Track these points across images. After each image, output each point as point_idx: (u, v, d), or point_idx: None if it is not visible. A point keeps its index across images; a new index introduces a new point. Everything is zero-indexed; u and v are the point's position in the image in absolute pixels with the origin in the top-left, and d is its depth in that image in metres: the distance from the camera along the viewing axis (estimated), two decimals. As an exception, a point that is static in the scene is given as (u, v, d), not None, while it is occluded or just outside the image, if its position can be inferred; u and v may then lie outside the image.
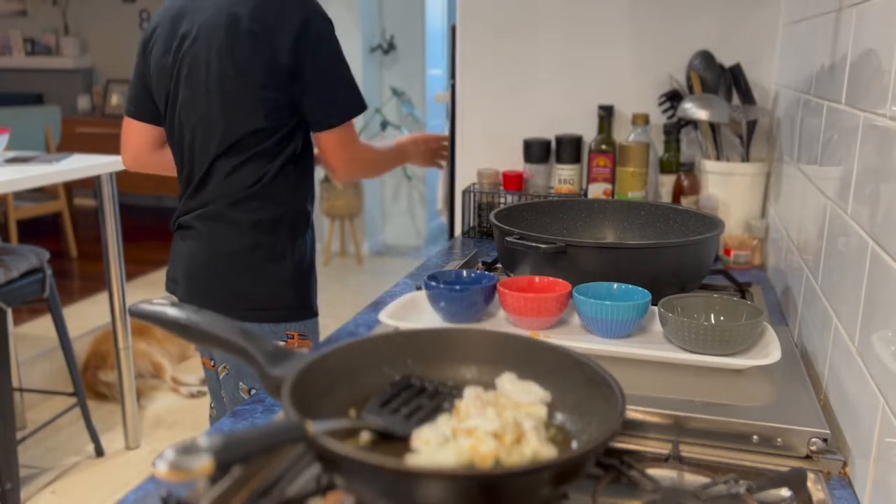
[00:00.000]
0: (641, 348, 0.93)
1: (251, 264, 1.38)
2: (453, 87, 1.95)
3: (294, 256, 1.41)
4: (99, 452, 2.58)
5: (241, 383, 1.42)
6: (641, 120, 1.68)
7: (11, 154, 2.51)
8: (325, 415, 0.68)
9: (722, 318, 0.98)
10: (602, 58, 1.78)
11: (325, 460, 0.61)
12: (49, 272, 2.32)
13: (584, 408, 0.72)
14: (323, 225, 4.96)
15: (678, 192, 1.66)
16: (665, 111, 1.73)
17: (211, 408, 1.61)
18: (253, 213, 1.37)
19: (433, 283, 1.03)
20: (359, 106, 1.41)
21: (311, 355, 0.74)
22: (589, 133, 1.80)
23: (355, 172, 1.48)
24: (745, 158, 1.59)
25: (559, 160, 1.77)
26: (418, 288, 1.14)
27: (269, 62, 1.31)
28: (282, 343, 1.40)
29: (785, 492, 0.69)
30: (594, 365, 0.73)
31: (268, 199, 1.38)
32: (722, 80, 1.62)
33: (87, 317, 3.51)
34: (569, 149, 1.76)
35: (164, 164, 1.51)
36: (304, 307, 1.44)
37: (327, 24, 1.38)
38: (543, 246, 1.07)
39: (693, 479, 0.72)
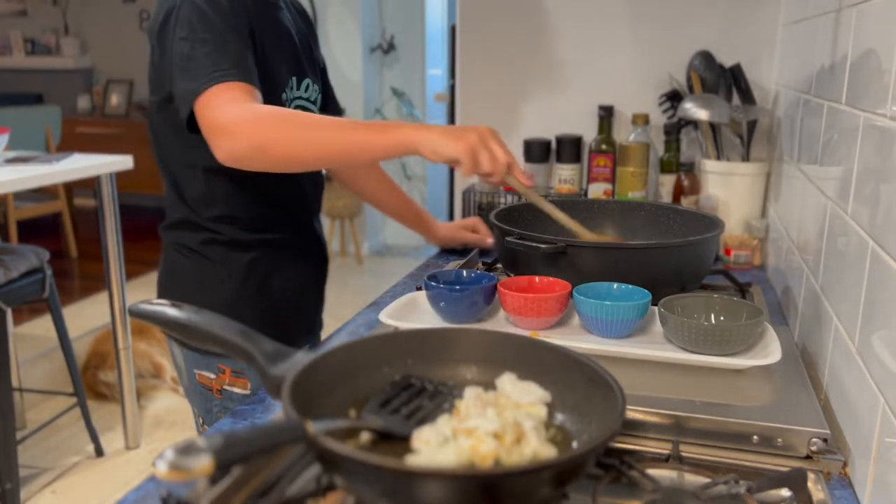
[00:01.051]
0: (641, 348, 0.93)
1: (190, 288, 1.28)
2: (453, 87, 1.95)
3: (225, 283, 1.26)
4: (99, 452, 2.58)
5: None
6: (641, 120, 1.68)
7: (11, 154, 2.51)
8: (325, 415, 0.68)
9: (722, 318, 0.97)
10: (602, 58, 1.78)
11: (325, 460, 0.61)
12: (49, 272, 2.32)
13: (584, 408, 0.72)
14: (323, 225, 4.96)
15: (678, 192, 1.66)
16: (665, 111, 1.73)
17: None
18: (170, 237, 1.31)
19: (433, 283, 1.03)
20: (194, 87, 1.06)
21: (312, 355, 0.74)
22: (589, 133, 1.80)
23: (239, 140, 1.03)
24: (746, 158, 1.59)
25: (559, 160, 1.77)
26: (418, 288, 1.14)
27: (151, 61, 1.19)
28: (212, 375, 1.27)
29: (785, 492, 0.69)
30: (594, 365, 0.73)
31: (177, 226, 1.29)
32: (722, 80, 1.62)
33: (87, 317, 3.51)
34: (569, 149, 1.76)
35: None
36: None
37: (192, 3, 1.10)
38: (543, 246, 1.07)
39: (693, 479, 0.72)
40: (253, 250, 1.27)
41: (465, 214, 1.81)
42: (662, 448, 0.77)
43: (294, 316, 1.36)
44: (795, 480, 0.69)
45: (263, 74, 1.18)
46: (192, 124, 1.10)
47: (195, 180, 1.24)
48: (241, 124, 1.03)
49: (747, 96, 1.62)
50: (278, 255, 1.31)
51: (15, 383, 2.58)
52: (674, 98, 1.70)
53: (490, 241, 1.51)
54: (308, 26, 1.40)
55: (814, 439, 0.75)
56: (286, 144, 1.04)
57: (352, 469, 0.59)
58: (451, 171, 2.00)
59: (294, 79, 1.28)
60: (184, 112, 1.09)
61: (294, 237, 1.34)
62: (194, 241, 1.27)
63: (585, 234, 1.18)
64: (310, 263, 1.40)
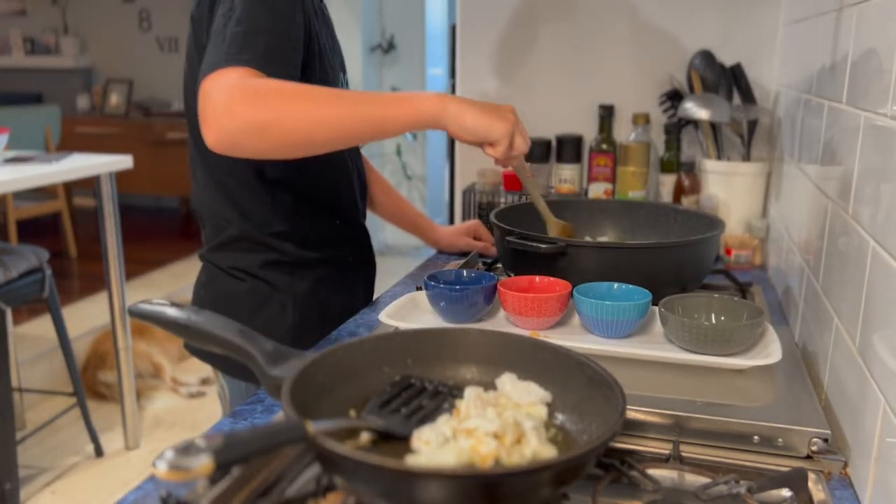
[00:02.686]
0: (642, 348, 0.93)
1: (244, 317, 1.14)
2: (453, 87, 1.95)
3: (287, 309, 1.17)
4: (98, 452, 2.58)
5: None
6: (642, 119, 1.68)
7: (11, 154, 2.51)
8: (324, 415, 0.68)
9: (723, 317, 0.97)
10: (602, 57, 1.78)
11: (325, 460, 0.61)
12: (48, 272, 2.32)
13: (584, 408, 0.72)
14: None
15: (679, 192, 1.66)
16: (666, 111, 1.73)
17: None
18: (224, 260, 1.19)
19: (433, 283, 1.03)
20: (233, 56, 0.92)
21: (312, 355, 0.74)
22: (589, 133, 1.80)
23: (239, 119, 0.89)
24: (746, 158, 1.59)
25: (560, 160, 1.77)
26: (418, 288, 1.14)
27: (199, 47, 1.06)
28: None
29: (786, 492, 0.69)
30: (595, 365, 0.73)
31: (231, 246, 1.18)
32: (722, 79, 1.62)
33: (87, 317, 3.50)
34: (569, 148, 1.76)
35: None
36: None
37: None
38: (543, 246, 1.07)
39: (694, 479, 0.72)
40: (317, 270, 1.20)
41: (465, 215, 1.81)
42: (663, 448, 0.77)
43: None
44: (796, 480, 0.69)
45: (320, 72, 1.10)
46: None
47: (254, 192, 1.14)
48: (239, 101, 0.89)
49: (748, 96, 1.62)
50: (340, 272, 1.24)
51: (14, 383, 2.58)
52: (674, 97, 1.70)
53: (493, 250, 1.48)
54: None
55: (814, 439, 0.75)
56: (289, 123, 0.90)
57: (352, 469, 0.59)
58: (451, 172, 1.99)
59: (341, 74, 1.21)
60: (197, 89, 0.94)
61: (353, 249, 1.28)
62: (253, 264, 1.17)
63: (553, 228, 1.22)
64: (364, 274, 1.34)
